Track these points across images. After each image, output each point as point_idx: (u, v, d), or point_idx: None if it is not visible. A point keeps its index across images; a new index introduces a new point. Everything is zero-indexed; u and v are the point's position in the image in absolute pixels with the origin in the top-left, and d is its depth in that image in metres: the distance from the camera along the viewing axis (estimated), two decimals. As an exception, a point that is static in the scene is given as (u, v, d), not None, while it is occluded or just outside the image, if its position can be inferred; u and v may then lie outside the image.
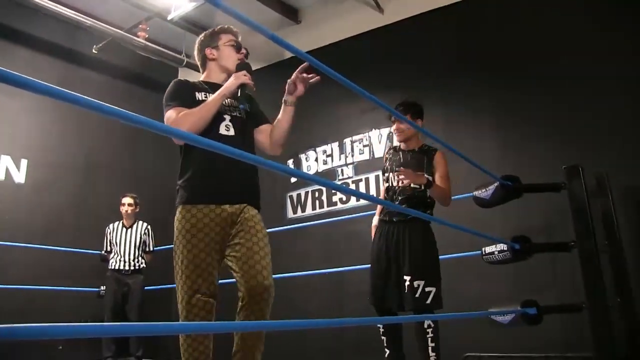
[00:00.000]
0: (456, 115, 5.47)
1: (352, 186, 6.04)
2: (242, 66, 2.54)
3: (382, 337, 3.51)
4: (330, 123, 6.25)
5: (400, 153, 3.71)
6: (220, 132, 2.42)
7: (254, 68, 2.66)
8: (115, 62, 7.45)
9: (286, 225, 6.02)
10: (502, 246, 3.85)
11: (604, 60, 4.77)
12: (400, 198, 3.55)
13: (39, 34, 6.78)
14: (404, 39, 6.04)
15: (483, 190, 4.06)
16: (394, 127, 3.73)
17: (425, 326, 3.41)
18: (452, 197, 4.73)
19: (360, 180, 5.98)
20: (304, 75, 2.53)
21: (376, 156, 5.95)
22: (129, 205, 5.83)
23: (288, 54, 7.06)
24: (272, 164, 1.54)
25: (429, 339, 3.44)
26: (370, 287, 3.55)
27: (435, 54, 5.76)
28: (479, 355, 4.75)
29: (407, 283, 3.38)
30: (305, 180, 5.65)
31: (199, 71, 7.74)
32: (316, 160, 6.42)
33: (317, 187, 6.33)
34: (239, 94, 2.45)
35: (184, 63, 7.25)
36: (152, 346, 6.41)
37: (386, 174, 3.68)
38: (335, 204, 6.14)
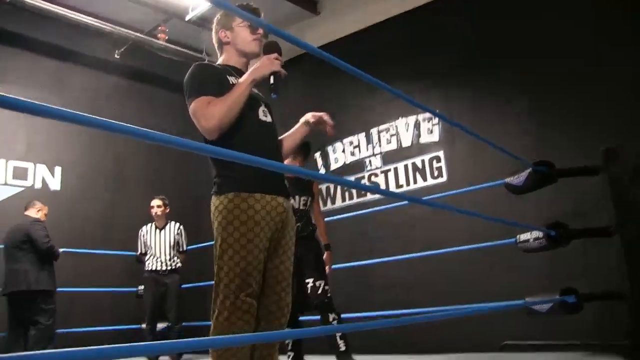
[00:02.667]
0: (487, 99, 5.33)
1: (381, 177, 5.96)
2: (270, 46, 2.21)
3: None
4: (356, 113, 6.17)
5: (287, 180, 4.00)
6: (259, 117, 2.22)
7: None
8: (138, 65, 7.49)
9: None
10: (537, 233, 3.75)
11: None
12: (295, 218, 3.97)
13: (63, 44, 6.86)
14: (427, 25, 5.90)
15: (515, 177, 3.96)
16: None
17: (331, 320, 3.91)
18: (484, 184, 4.66)
19: (389, 170, 5.90)
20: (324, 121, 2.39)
21: (403, 145, 5.85)
22: (158, 206, 5.85)
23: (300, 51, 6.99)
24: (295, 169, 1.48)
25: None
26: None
27: (463, 37, 5.60)
28: (516, 343, 4.66)
29: (310, 285, 3.91)
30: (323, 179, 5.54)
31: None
32: (343, 151, 6.36)
33: (345, 178, 6.26)
34: (271, 81, 2.15)
35: (206, 62, 7.22)
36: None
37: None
38: (364, 195, 6.07)
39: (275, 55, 2.16)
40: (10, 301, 5.01)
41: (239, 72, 2.25)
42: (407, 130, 5.82)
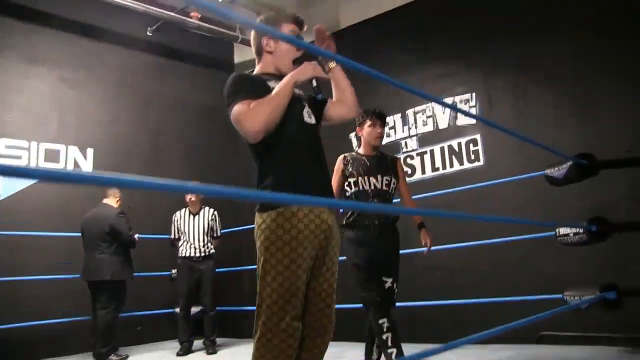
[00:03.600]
0: (532, 82, 5.14)
1: (417, 159, 5.87)
2: (301, 59, 2.26)
3: (388, 334, 3.39)
4: (391, 94, 6.03)
5: (364, 158, 3.70)
6: (304, 119, 2.19)
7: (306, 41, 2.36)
8: (170, 43, 7.47)
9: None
10: (577, 227, 3.65)
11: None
12: (375, 201, 3.60)
13: (96, 23, 6.86)
14: (456, 2, 5.72)
15: (556, 168, 3.85)
16: (377, 130, 3.72)
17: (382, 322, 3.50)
18: (522, 176, 4.55)
19: (425, 152, 5.79)
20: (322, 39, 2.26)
21: (440, 127, 5.73)
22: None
23: (342, 24, 6.86)
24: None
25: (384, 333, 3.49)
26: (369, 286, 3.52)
27: (506, 15, 5.38)
28: (555, 334, 4.60)
29: (387, 285, 3.52)
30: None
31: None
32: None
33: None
34: (314, 85, 2.21)
35: (239, 39, 7.19)
36: (225, 328, 6.61)
37: (352, 179, 3.63)
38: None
39: (315, 62, 2.17)
40: (94, 288, 5.37)
41: (278, 78, 2.21)
42: (443, 112, 5.70)
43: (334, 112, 2.35)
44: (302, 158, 2.14)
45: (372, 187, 3.60)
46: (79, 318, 5.71)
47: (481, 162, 5.33)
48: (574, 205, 4.52)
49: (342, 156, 3.74)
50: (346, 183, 3.65)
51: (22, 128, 6.20)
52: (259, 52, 2.31)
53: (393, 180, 3.67)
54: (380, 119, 3.72)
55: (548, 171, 3.93)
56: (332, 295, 2.19)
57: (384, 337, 3.36)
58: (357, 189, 3.60)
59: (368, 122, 3.70)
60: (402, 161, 3.87)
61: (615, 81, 4.59)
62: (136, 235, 5.64)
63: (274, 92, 2.05)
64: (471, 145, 5.41)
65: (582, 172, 3.67)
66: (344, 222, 3.63)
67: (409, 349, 3.39)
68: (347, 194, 3.64)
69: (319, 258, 2.12)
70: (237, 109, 2.02)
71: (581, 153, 3.70)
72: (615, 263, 4.30)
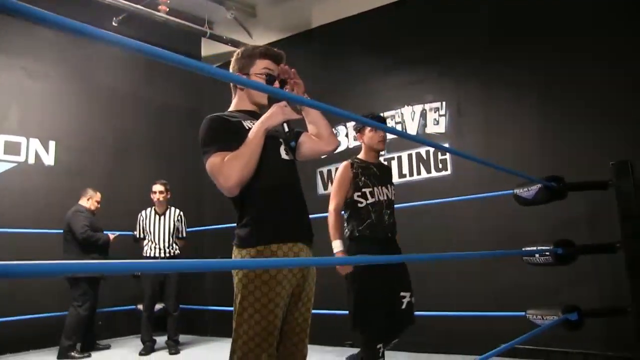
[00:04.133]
0: (500, 95, 5.19)
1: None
2: (273, 99, 2.19)
3: None
4: (361, 98, 6.02)
5: (373, 167, 3.56)
6: (282, 157, 2.17)
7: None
8: (137, 35, 7.27)
9: (316, 202, 5.92)
10: (543, 249, 3.73)
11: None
12: (388, 212, 3.47)
13: (60, 13, 6.57)
14: (436, 7, 5.71)
15: (525, 189, 3.92)
16: (380, 134, 3.54)
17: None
18: (491, 193, 4.60)
19: (393, 158, 5.80)
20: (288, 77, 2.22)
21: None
22: (160, 192, 5.79)
23: (313, 24, 6.79)
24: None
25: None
26: (376, 325, 3.30)
27: (473, 24, 5.42)
28: (514, 347, 4.69)
29: (407, 299, 3.36)
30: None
31: (223, 42, 7.47)
32: (347, 136, 6.25)
33: (348, 162, 6.19)
34: (286, 130, 2.15)
35: (208, 34, 7.03)
36: (187, 326, 6.56)
37: (368, 189, 3.43)
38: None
39: (284, 102, 2.11)
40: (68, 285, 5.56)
41: (253, 115, 2.22)
42: (412, 119, 5.71)
43: (310, 148, 2.30)
44: (281, 194, 2.12)
45: (385, 198, 3.45)
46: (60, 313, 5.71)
47: (449, 172, 5.37)
48: (539, 220, 4.62)
49: (347, 162, 3.51)
50: (358, 194, 3.41)
51: (-19, 119, 5.99)
52: (234, 87, 2.31)
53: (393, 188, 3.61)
54: (380, 122, 3.57)
55: (517, 191, 3.99)
56: (306, 330, 2.19)
57: None
58: (373, 199, 3.40)
59: (368, 128, 3.51)
60: None
61: (584, 101, 4.67)
62: (109, 233, 5.75)
63: (244, 143, 2.02)
64: (439, 154, 5.45)
65: (551, 194, 3.75)
66: (356, 235, 3.41)
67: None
68: (361, 205, 3.40)
69: (294, 295, 2.12)
70: (211, 162, 2.01)
71: (550, 175, 3.77)
72: (582, 278, 4.40)
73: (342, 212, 3.48)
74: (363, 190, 3.41)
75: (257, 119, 2.12)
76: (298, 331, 2.15)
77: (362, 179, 3.44)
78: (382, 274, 3.27)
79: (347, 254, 3.37)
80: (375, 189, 3.43)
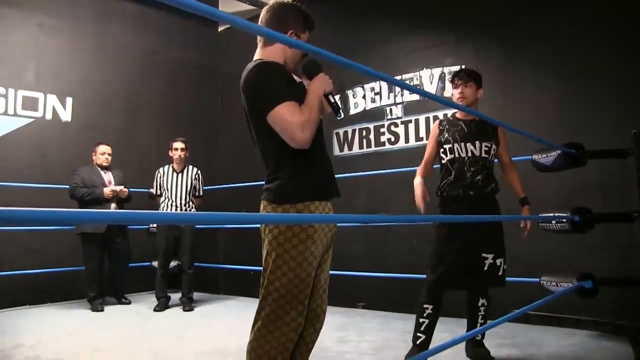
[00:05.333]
0: (519, 62, 5.08)
1: (401, 127, 5.83)
2: (312, 65, 2.12)
3: (423, 320, 3.35)
4: (380, 60, 5.92)
5: (461, 123, 3.49)
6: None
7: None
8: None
9: (332, 162, 5.89)
10: (560, 216, 3.69)
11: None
12: (472, 169, 3.39)
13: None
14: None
15: (544, 155, 3.85)
16: (457, 91, 3.47)
17: (479, 304, 3.42)
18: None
19: (410, 121, 5.75)
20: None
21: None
22: (182, 150, 5.80)
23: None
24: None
25: (480, 317, 3.42)
26: (444, 267, 3.34)
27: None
28: (526, 313, 4.70)
29: (489, 261, 3.31)
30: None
31: (242, 0, 7.26)
32: (364, 97, 6.18)
33: (365, 125, 6.14)
34: (331, 100, 2.10)
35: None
36: (201, 283, 6.65)
37: (447, 145, 3.45)
38: (383, 144, 5.97)
39: (323, 74, 2.09)
40: None
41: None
42: (431, 82, 5.62)
43: None
44: (316, 153, 2.10)
45: (470, 154, 3.40)
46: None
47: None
48: (554, 192, 4.57)
49: (438, 120, 3.59)
50: (441, 150, 3.48)
51: (-1, 75, 6.01)
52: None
53: (494, 147, 3.46)
54: (458, 77, 3.47)
55: (535, 157, 3.93)
56: (327, 288, 2.24)
57: (421, 321, 3.35)
58: (452, 156, 3.42)
59: (453, 84, 3.52)
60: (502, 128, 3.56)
61: (604, 69, 4.55)
62: (111, 188, 5.77)
63: (310, 104, 1.98)
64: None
65: (570, 161, 3.69)
66: (437, 192, 3.49)
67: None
68: (443, 161, 3.48)
69: (322, 254, 2.14)
70: (283, 112, 1.93)
71: (570, 142, 3.70)
72: (591, 249, 4.37)
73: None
74: (444, 146, 3.46)
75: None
76: (321, 291, 2.20)
77: (446, 135, 3.47)
78: (460, 232, 3.32)
79: (436, 208, 3.51)
80: (456, 145, 3.40)
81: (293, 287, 1.98)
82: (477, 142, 3.40)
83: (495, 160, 3.60)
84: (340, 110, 2.11)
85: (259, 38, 2.19)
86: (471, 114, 3.46)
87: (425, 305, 3.35)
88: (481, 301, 3.44)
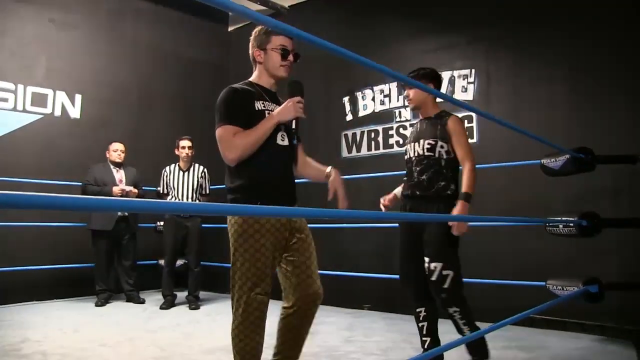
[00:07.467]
0: (527, 66, 5.08)
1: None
2: (294, 87, 2.42)
3: (422, 324, 3.30)
4: (389, 61, 5.91)
5: (419, 123, 3.43)
6: (277, 142, 2.45)
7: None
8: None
9: (340, 164, 5.91)
10: (568, 220, 3.70)
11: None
12: (418, 169, 3.26)
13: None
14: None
15: (553, 159, 3.87)
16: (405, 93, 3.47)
17: (451, 312, 3.12)
18: (518, 162, 4.54)
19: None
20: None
21: (436, 100, 5.67)
22: (189, 148, 5.83)
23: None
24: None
25: (459, 320, 3.15)
26: (401, 270, 3.37)
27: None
28: (530, 316, 4.71)
29: (427, 265, 3.15)
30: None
31: (253, 0, 7.33)
32: (373, 99, 6.20)
33: (373, 127, 6.15)
34: (292, 126, 2.43)
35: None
36: (207, 282, 6.67)
37: (405, 147, 3.45)
38: (391, 146, 5.98)
39: (298, 98, 2.39)
40: None
41: (267, 92, 2.51)
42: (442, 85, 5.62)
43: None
44: (271, 169, 2.44)
45: (415, 154, 3.28)
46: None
47: (475, 140, 5.31)
48: (561, 192, 4.57)
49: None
50: None
51: (9, 70, 6.03)
52: (254, 61, 2.56)
53: (440, 143, 3.20)
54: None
55: (544, 161, 3.95)
56: (310, 266, 2.49)
57: (420, 325, 3.31)
58: (407, 157, 3.37)
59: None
60: (456, 119, 3.28)
61: (615, 74, 4.55)
62: (121, 187, 5.81)
63: (255, 128, 2.33)
64: (466, 121, 5.37)
65: (579, 165, 3.70)
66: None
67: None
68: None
69: (286, 239, 2.46)
70: (221, 132, 2.37)
71: (579, 147, 3.71)
72: (604, 250, 4.35)
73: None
74: (405, 147, 3.47)
75: (271, 98, 2.48)
76: (303, 268, 2.47)
77: (408, 137, 3.49)
78: (406, 233, 3.32)
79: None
80: (408, 145, 3.39)
81: (251, 274, 2.35)
82: (421, 141, 3.26)
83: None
84: (295, 139, 2.50)
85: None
86: (427, 113, 3.37)
87: (417, 310, 3.31)
88: (450, 310, 3.12)
